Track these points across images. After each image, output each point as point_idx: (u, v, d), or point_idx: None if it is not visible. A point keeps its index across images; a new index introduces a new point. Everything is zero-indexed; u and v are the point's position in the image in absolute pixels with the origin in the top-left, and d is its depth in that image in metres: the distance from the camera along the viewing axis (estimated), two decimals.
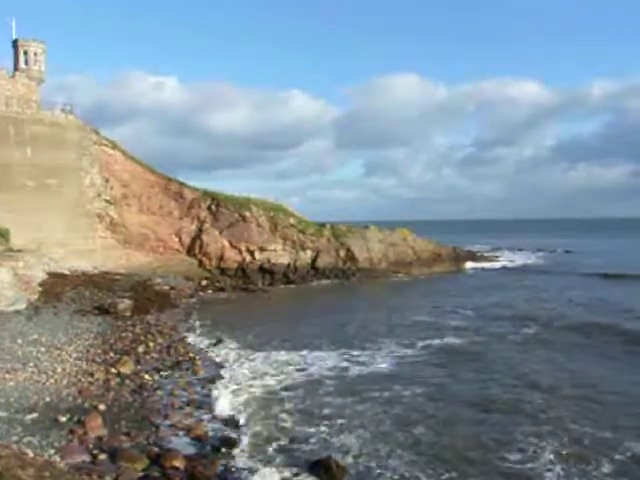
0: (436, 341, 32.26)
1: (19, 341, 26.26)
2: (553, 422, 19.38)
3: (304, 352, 29.60)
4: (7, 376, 21.29)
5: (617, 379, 24.84)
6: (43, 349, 25.57)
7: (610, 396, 22.21)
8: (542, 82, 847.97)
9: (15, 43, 53.63)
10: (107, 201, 56.70)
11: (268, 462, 16.48)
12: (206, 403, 21.54)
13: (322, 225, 67.73)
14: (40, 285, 39.01)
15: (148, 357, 27.75)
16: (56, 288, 40.60)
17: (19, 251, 39.96)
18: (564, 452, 16.94)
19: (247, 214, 62.30)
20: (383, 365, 27.32)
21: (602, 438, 17.98)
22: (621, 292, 51.79)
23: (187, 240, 61.09)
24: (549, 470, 15.91)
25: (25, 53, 53.33)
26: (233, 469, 15.98)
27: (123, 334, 31.57)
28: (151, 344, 30.18)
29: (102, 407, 19.75)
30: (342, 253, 65.46)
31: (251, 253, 61.32)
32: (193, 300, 47.49)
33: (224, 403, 21.53)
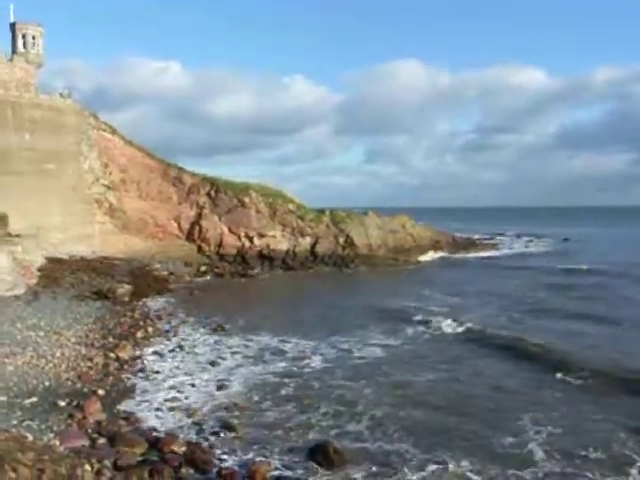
0: (426, 328, 32.27)
1: (18, 325, 26.30)
2: (546, 410, 19.51)
3: (297, 339, 29.57)
4: (6, 360, 21.34)
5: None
6: (42, 334, 25.62)
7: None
8: (545, 69, 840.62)
9: (13, 26, 53.15)
10: (106, 186, 56.57)
11: (266, 447, 16.56)
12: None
13: (321, 211, 67.55)
14: (39, 270, 39.04)
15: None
16: (55, 273, 40.64)
17: (18, 236, 39.86)
18: (556, 436, 17.24)
19: (246, 200, 62.17)
20: (375, 352, 27.34)
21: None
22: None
23: (186, 225, 61.04)
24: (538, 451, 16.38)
25: (23, 36, 52.85)
26: (232, 454, 16.08)
27: (122, 319, 31.66)
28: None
29: (101, 392, 19.87)
30: (341, 239, 65.33)
31: (250, 239, 61.30)
32: (192, 285, 47.54)
33: (223, 388, 21.66)
